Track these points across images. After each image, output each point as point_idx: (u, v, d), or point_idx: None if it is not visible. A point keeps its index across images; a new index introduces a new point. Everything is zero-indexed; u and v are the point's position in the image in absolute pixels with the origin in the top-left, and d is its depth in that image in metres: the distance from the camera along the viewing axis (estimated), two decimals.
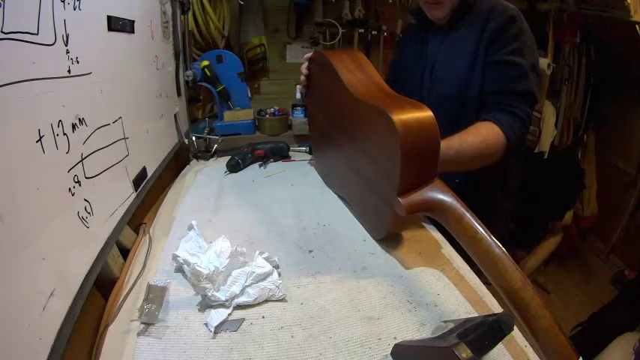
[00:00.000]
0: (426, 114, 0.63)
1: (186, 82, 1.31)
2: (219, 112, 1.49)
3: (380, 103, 0.68)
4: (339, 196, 0.98)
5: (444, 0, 0.86)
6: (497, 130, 0.78)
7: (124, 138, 0.74)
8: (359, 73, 0.84)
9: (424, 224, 0.86)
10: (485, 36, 0.83)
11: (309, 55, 1.01)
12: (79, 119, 0.57)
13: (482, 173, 0.81)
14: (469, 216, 0.59)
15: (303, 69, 1.02)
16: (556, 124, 1.92)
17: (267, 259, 0.67)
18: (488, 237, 0.55)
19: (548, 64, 1.76)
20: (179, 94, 1.25)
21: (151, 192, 0.91)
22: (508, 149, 0.80)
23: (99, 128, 0.63)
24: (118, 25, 0.72)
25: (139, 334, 0.55)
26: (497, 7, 0.84)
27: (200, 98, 1.59)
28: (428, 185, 0.65)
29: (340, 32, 1.69)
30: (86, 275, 0.56)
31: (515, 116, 0.80)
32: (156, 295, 0.58)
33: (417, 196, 0.64)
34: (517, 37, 0.81)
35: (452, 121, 0.83)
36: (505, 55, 0.81)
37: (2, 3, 0.40)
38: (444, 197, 0.62)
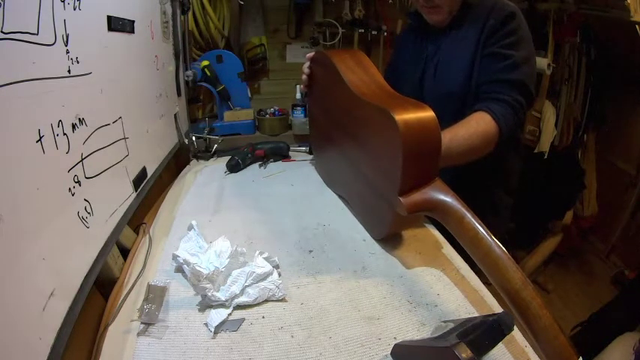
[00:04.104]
0: (428, 114, 0.63)
1: (186, 82, 1.31)
2: (219, 112, 1.49)
3: (382, 103, 0.68)
4: (339, 196, 0.98)
5: (441, 4, 0.86)
6: (489, 120, 0.78)
7: (124, 138, 0.74)
8: (361, 73, 0.84)
9: (425, 224, 0.86)
10: (484, 33, 0.84)
11: (311, 54, 1.01)
12: (79, 119, 0.57)
13: (482, 171, 0.81)
14: (470, 216, 0.59)
15: (305, 68, 1.02)
16: (556, 124, 1.92)
17: (267, 259, 0.67)
18: (488, 237, 0.56)
19: (548, 64, 1.76)
20: (179, 94, 1.26)
21: (151, 192, 0.91)
22: (501, 138, 0.79)
23: (99, 128, 0.63)
24: (118, 25, 0.72)
25: (139, 334, 0.55)
26: (497, 4, 0.84)
27: (200, 98, 1.59)
28: (429, 185, 0.65)
29: (340, 32, 1.69)
30: (86, 275, 0.56)
31: (506, 104, 0.80)
32: (156, 295, 0.59)
33: (417, 196, 0.64)
34: (514, 32, 0.81)
35: (455, 120, 0.83)
36: (499, 47, 0.82)
37: (2, 3, 0.40)
38: (445, 197, 0.63)
